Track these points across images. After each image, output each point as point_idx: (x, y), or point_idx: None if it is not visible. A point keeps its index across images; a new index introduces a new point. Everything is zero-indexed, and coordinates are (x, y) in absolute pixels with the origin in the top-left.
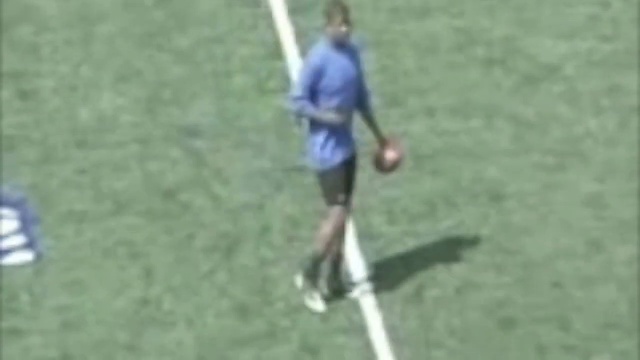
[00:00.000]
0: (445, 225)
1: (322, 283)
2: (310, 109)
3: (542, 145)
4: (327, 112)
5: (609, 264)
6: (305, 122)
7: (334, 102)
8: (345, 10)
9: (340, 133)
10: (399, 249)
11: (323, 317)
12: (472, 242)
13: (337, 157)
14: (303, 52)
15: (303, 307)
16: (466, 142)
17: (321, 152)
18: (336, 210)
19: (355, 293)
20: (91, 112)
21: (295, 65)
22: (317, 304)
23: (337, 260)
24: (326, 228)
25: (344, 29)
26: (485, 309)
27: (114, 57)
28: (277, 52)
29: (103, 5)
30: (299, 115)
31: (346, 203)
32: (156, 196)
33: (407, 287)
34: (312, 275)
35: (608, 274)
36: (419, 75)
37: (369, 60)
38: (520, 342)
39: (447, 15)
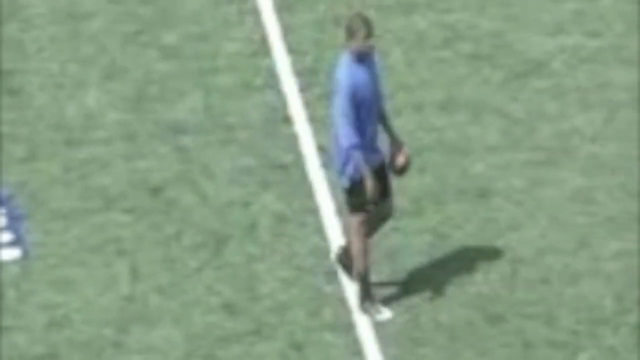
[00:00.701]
0: (432, 222)
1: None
2: (358, 158)
3: (529, 141)
4: (368, 175)
5: (597, 259)
6: (335, 138)
7: (363, 112)
8: (368, 24)
9: (367, 145)
10: (385, 245)
11: (310, 314)
12: (459, 238)
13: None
14: (290, 49)
15: (290, 304)
16: (453, 138)
17: (351, 165)
18: (358, 219)
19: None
20: (78, 109)
21: (281, 62)
22: (385, 313)
23: (348, 249)
24: (355, 244)
25: (369, 42)
26: (472, 305)
27: (100, 55)
28: (263, 49)
29: (90, 2)
30: (347, 152)
31: (380, 209)
32: (143, 193)
33: (394, 284)
34: (366, 294)
35: (596, 269)
36: (406, 71)
37: None
38: (508, 338)
39: (434, 11)
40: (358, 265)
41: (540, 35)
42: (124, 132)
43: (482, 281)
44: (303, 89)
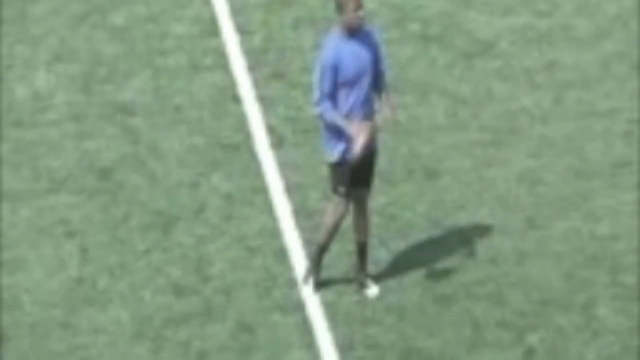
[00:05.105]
0: (381, 202)
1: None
2: (329, 114)
3: (477, 121)
4: (347, 122)
5: (545, 240)
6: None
7: (353, 91)
8: None
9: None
10: None
11: (259, 294)
12: (408, 218)
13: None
14: (238, 29)
15: (239, 285)
16: (402, 119)
17: (337, 143)
18: (338, 200)
19: (374, 290)
20: (27, 90)
21: (230, 42)
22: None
23: (362, 250)
24: (328, 218)
25: (360, 13)
26: (421, 285)
27: (49, 36)
28: (212, 29)
29: None
30: (320, 118)
31: (359, 196)
32: (92, 174)
33: (344, 264)
34: (314, 265)
35: (543, 250)
36: None
37: (306, 37)
38: (457, 318)
39: None
40: (322, 239)
41: (489, 15)
42: (72, 113)
43: (431, 261)
44: (252, 68)
